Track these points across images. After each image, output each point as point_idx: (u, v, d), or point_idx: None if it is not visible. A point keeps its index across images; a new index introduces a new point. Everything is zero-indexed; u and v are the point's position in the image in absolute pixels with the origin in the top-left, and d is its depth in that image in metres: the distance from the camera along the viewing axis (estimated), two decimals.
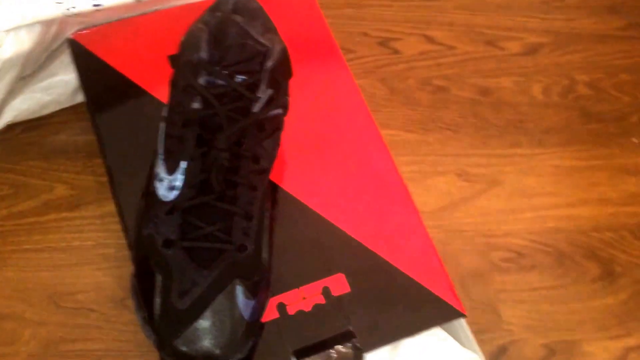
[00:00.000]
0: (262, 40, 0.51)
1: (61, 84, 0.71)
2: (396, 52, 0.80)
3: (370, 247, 0.59)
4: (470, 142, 0.75)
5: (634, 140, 0.77)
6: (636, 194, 0.73)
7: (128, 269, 0.64)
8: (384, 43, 0.80)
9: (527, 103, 0.78)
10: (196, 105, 0.51)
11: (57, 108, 0.72)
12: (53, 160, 0.70)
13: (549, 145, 0.75)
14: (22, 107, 0.69)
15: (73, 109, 0.72)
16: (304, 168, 0.62)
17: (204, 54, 0.51)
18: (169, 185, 0.52)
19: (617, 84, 0.80)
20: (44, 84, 0.69)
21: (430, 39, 0.82)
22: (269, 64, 0.51)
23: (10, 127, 0.69)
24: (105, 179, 0.68)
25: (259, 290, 0.53)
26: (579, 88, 0.80)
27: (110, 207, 0.67)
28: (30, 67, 0.66)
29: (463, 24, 0.83)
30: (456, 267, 0.68)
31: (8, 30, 0.59)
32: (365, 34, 0.81)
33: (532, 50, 0.82)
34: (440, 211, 0.71)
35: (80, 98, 0.72)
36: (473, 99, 0.78)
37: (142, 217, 0.55)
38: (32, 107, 0.70)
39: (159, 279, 0.52)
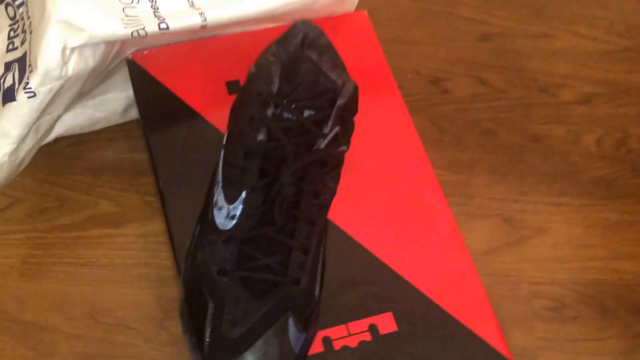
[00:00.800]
0: (332, 77, 0.52)
1: (113, 102, 0.72)
2: (446, 92, 0.81)
3: (419, 288, 0.59)
4: (517, 188, 0.75)
5: None
6: None
7: (169, 289, 0.65)
8: (434, 82, 0.81)
9: (577, 153, 0.78)
10: (261, 136, 0.52)
11: (107, 125, 0.73)
12: (99, 176, 0.71)
13: (598, 197, 0.75)
14: (73, 121, 0.70)
15: (121, 126, 0.73)
16: (357, 204, 0.62)
17: (274, 87, 0.51)
18: (228, 214, 0.53)
19: None
20: (97, 100, 0.71)
21: (482, 81, 0.82)
22: (340, 101, 0.51)
23: (58, 140, 0.70)
24: (150, 198, 0.69)
25: (310, 324, 0.54)
26: (631, 142, 0.80)
27: (154, 227, 0.68)
28: (90, 85, 0.67)
29: (517, 68, 0.83)
30: (498, 312, 0.67)
31: (74, 48, 0.60)
32: (417, 72, 0.81)
33: (587, 99, 0.82)
34: (484, 255, 0.70)
35: (129, 116, 0.73)
36: (522, 145, 0.78)
37: (197, 243, 0.56)
38: (82, 123, 0.71)
39: (211, 306, 0.52)
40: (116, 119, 0.73)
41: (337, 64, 0.55)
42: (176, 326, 0.62)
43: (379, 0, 0.86)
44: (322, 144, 0.52)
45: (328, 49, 0.55)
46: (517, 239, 0.72)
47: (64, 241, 0.67)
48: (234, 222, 0.52)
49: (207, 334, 0.52)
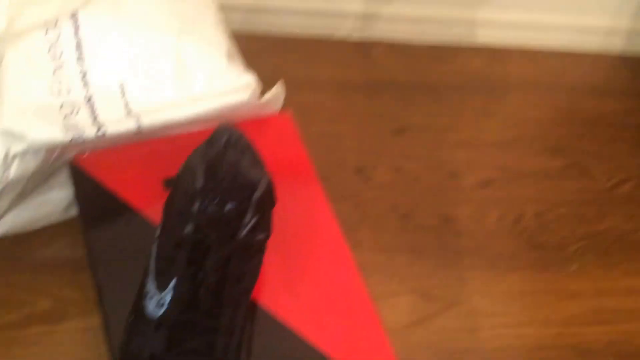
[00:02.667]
0: (250, 173, 0.58)
1: (54, 201, 0.75)
2: (368, 179, 0.88)
3: None
4: (432, 265, 0.81)
5: (573, 267, 0.84)
6: (576, 316, 0.79)
7: None
8: (358, 172, 0.88)
9: (482, 230, 0.85)
10: (188, 229, 0.56)
11: (48, 223, 0.75)
12: (39, 274, 0.73)
13: (500, 269, 0.82)
14: (15, 221, 0.73)
15: (62, 224, 0.76)
16: (281, 286, 0.67)
17: (199, 184, 0.56)
18: (159, 302, 0.57)
19: (558, 216, 0.88)
20: (38, 200, 0.74)
21: (398, 170, 0.90)
22: (256, 194, 0.57)
23: (0, 239, 0.72)
24: (89, 293, 0.71)
25: None
26: (526, 219, 0.87)
27: (93, 321, 0.69)
28: (31, 187, 0.71)
29: (428, 157, 0.92)
30: None
31: (16, 154, 0.65)
32: (342, 163, 0.89)
33: (487, 183, 0.90)
34: (405, 328, 0.75)
35: (70, 214, 0.76)
36: (435, 226, 0.85)
37: (129, 333, 0.59)
38: (24, 222, 0.74)
39: None
40: (57, 217, 0.76)
41: (257, 161, 0.61)
42: None
43: (306, 100, 0.93)
44: (243, 233, 0.57)
45: (248, 149, 0.61)
46: (434, 312, 0.77)
47: (1, 341, 0.68)
48: (163, 309, 0.56)
49: None
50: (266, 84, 0.76)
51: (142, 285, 0.60)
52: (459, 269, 0.81)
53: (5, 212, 0.71)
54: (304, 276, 0.68)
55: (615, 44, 1.13)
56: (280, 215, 0.66)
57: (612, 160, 0.96)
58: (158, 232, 0.60)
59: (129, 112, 0.69)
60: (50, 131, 0.66)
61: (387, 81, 1.01)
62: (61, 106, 0.68)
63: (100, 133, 0.68)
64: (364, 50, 1.06)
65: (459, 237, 0.84)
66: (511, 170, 0.93)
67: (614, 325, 0.79)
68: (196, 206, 0.56)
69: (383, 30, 1.08)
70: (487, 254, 0.83)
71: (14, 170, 0.65)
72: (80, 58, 0.69)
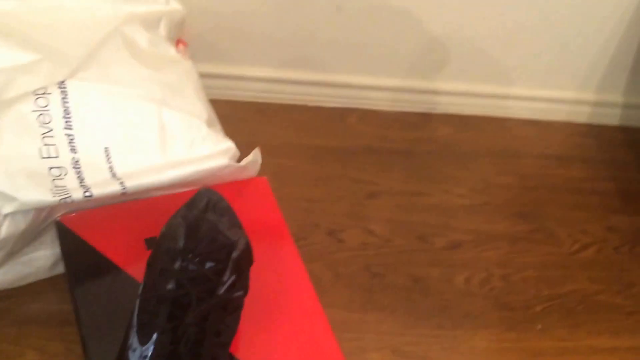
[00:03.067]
0: (228, 234, 0.61)
1: (42, 259, 0.77)
2: (341, 241, 0.91)
3: None
4: (403, 323, 0.84)
5: (538, 327, 0.87)
6: None
7: None
8: (331, 233, 0.92)
9: (450, 291, 0.89)
10: (170, 285, 0.60)
11: (35, 279, 0.78)
12: (26, 327, 0.75)
13: (467, 328, 0.85)
14: (2, 278, 0.75)
15: (49, 280, 0.78)
16: (259, 341, 0.69)
17: (180, 243, 0.60)
18: (141, 354, 0.59)
19: (524, 278, 0.92)
20: (26, 257, 0.76)
21: (370, 232, 0.93)
22: (234, 254, 0.60)
23: None
24: (74, 346, 0.73)
25: None
26: (493, 280, 0.91)
27: None
28: (20, 245, 0.73)
29: (399, 220, 0.96)
30: None
31: (7, 215, 0.67)
32: (316, 225, 0.92)
33: (456, 245, 0.94)
34: None
35: (57, 271, 0.79)
36: (406, 285, 0.88)
37: None
38: (12, 278, 0.76)
39: None
40: (44, 274, 0.78)
41: (234, 223, 0.65)
42: None
43: (282, 164, 0.98)
44: (222, 290, 0.60)
45: (227, 211, 0.65)
46: None
47: None
48: None
49: None
50: (244, 149, 0.80)
51: (126, 339, 0.62)
52: (428, 326, 0.84)
53: None
54: (279, 332, 0.71)
55: (581, 114, 1.20)
56: (257, 274, 0.70)
57: (577, 225, 1.01)
58: (141, 288, 0.63)
59: (113, 176, 0.72)
60: (39, 193, 0.69)
61: (360, 147, 1.05)
62: (50, 169, 0.71)
63: (86, 195, 0.70)
64: (338, 117, 1.11)
65: (428, 297, 0.87)
66: (479, 234, 0.97)
67: None
68: (177, 264, 0.60)
69: (357, 99, 1.13)
70: (455, 314, 0.86)
71: (4, 230, 0.68)
72: (67, 124, 0.72)
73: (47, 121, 0.71)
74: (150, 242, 0.74)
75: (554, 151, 1.14)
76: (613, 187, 1.08)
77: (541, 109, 1.18)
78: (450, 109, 1.16)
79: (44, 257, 0.78)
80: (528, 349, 0.85)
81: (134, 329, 0.61)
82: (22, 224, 0.69)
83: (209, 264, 0.60)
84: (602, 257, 0.97)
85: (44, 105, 0.71)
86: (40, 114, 0.71)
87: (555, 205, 1.04)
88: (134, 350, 0.60)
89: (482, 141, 1.12)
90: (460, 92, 1.15)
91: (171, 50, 0.83)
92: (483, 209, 1.00)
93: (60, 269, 0.78)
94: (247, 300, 0.66)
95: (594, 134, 1.18)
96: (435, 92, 1.15)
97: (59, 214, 0.75)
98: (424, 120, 1.14)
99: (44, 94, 0.72)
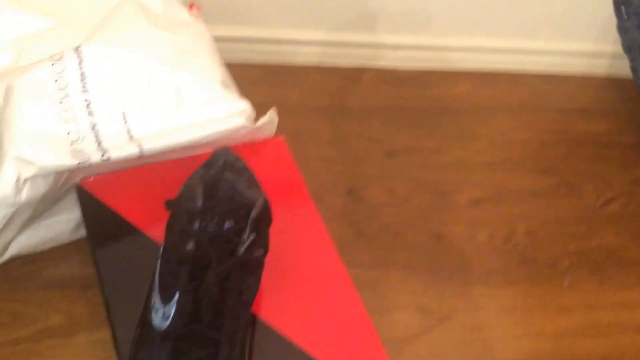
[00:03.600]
0: (247, 194, 0.61)
1: (63, 223, 0.78)
2: (361, 200, 0.91)
3: None
4: (426, 281, 0.83)
5: (565, 282, 0.86)
6: (570, 330, 0.82)
7: None
8: (351, 193, 0.91)
9: (473, 248, 0.88)
10: (190, 246, 0.60)
11: (57, 244, 0.79)
12: (50, 291, 0.76)
13: (492, 285, 0.84)
14: (26, 242, 0.76)
15: (71, 244, 0.79)
16: (280, 301, 0.69)
17: (198, 204, 0.60)
18: (164, 314, 0.60)
19: (549, 233, 0.91)
20: (48, 222, 0.77)
21: (390, 190, 0.92)
22: (253, 213, 0.60)
23: (12, 259, 0.76)
24: (98, 308, 0.74)
25: None
26: (517, 236, 0.90)
27: (103, 334, 0.72)
28: (41, 209, 0.74)
29: (418, 178, 0.94)
30: None
31: (27, 179, 0.68)
32: (335, 184, 0.91)
33: (477, 202, 0.93)
34: (402, 342, 0.78)
35: (78, 235, 0.79)
36: (428, 243, 0.87)
37: (137, 345, 0.61)
38: (35, 243, 0.77)
39: None
40: (66, 238, 0.79)
41: (252, 182, 0.64)
42: None
43: (299, 125, 0.97)
44: (241, 250, 0.60)
45: (244, 171, 0.65)
46: (430, 326, 0.80)
47: (16, 354, 0.71)
48: (168, 321, 0.59)
49: None
50: (260, 111, 0.79)
51: (148, 300, 0.63)
52: (453, 284, 0.84)
53: (18, 234, 0.73)
54: (302, 292, 0.71)
55: (600, 67, 1.17)
56: (277, 234, 0.69)
57: (601, 178, 0.99)
58: (161, 250, 0.64)
59: (131, 138, 0.73)
60: (58, 157, 0.69)
61: (377, 106, 1.04)
62: (68, 133, 0.71)
63: (104, 158, 0.71)
64: (354, 77, 1.10)
65: (451, 254, 0.87)
66: (501, 190, 0.95)
67: (607, 339, 0.81)
68: (196, 225, 0.60)
69: (372, 58, 1.12)
70: (479, 271, 0.86)
71: (25, 194, 0.68)
72: (84, 89, 0.72)
73: (64, 86, 0.72)
74: (169, 204, 0.74)
75: (574, 105, 1.12)
76: (637, 139, 1.06)
77: (559, 62, 1.16)
78: (467, 66, 1.14)
79: (65, 221, 0.78)
80: (555, 305, 0.84)
81: (156, 290, 0.62)
82: (42, 188, 0.70)
83: (227, 224, 0.60)
84: (628, 211, 0.96)
85: (60, 70, 0.72)
86: (56, 79, 0.72)
87: (577, 159, 1.02)
88: (157, 310, 0.61)
89: (500, 97, 1.10)
90: (477, 48, 1.13)
91: (184, 13, 0.83)
92: (504, 165, 0.99)
93: (82, 232, 0.78)
94: (268, 261, 0.66)
95: (614, 87, 1.16)
96: (451, 49, 1.13)
97: (79, 178, 0.75)
98: (441, 77, 1.12)
99: (60, 59, 0.72)
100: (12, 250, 0.76)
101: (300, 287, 0.71)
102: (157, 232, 0.72)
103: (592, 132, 1.07)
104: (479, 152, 1.00)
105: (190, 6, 0.86)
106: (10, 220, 0.69)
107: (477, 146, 1.01)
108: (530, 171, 0.99)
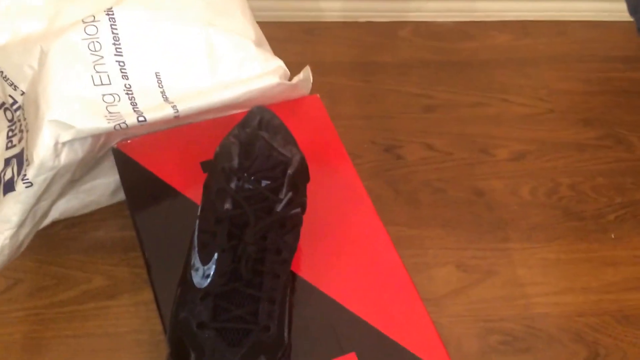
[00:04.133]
0: (283, 151, 0.60)
1: (102, 186, 0.79)
2: (399, 157, 0.89)
3: (379, 328, 0.65)
4: (467, 237, 0.82)
5: (612, 236, 0.84)
6: (615, 283, 0.80)
7: (160, 353, 0.70)
8: (388, 150, 0.90)
9: (516, 203, 0.86)
10: (227, 205, 0.59)
11: (97, 207, 0.80)
12: (92, 254, 0.77)
13: (536, 240, 0.83)
14: (66, 206, 0.77)
15: (111, 208, 0.80)
16: (320, 259, 0.69)
17: (235, 163, 0.59)
18: (204, 273, 0.60)
19: (594, 186, 0.89)
20: (87, 185, 0.78)
21: (429, 147, 0.91)
22: (290, 171, 0.59)
23: (54, 223, 0.77)
24: (139, 270, 0.76)
25: None
26: (562, 190, 0.88)
27: (144, 296, 0.74)
28: (79, 173, 0.75)
29: (458, 133, 0.93)
30: (459, 349, 0.74)
31: (65, 142, 0.69)
32: (373, 142, 0.90)
33: (519, 156, 0.91)
34: (442, 298, 0.77)
35: (117, 198, 0.81)
36: (469, 199, 0.86)
37: (178, 303, 0.62)
38: (75, 206, 0.78)
39: (193, 357, 0.58)
40: (105, 201, 0.80)
41: (288, 140, 0.63)
42: None
43: (336, 84, 0.96)
44: (279, 207, 0.59)
45: (280, 129, 0.64)
46: (470, 282, 0.79)
47: (62, 315, 0.73)
48: (208, 280, 0.59)
49: None
50: (294, 69, 0.78)
51: (188, 260, 0.63)
52: (494, 240, 0.82)
53: (58, 198, 0.74)
54: (341, 249, 0.70)
55: None
56: (314, 192, 0.69)
57: None
58: (199, 210, 0.64)
59: (165, 100, 0.73)
60: (94, 120, 0.69)
61: (415, 60, 1.02)
62: (103, 96, 0.71)
63: (140, 120, 0.71)
64: (391, 32, 1.07)
65: (492, 210, 0.85)
66: (544, 143, 0.93)
67: None
68: (233, 184, 0.59)
69: (409, 11, 1.09)
70: (522, 226, 0.84)
71: (63, 158, 0.69)
72: (117, 51, 0.72)
73: (98, 49, 0.72)
74: (205, 165, 0.75)
75: (618, 53, 1.08)
76: None
77: (602, 9, 1.12)
78: (506, 16, 1.10)
79: (104, 185, 0.79)
80: (601, 259, 0.82)
81: (195, 250, 0.62)
82: (80, 151, 0.70)
83: (264, 182, 0.59)
84: None
85: (93, 33, 0.72)
86: (90, 42, 0.71)
87: (623, 109, 0.99)
88: (197, 270, 0.61)
89: (542, 47, 1.07)
90: None
91: None
92: (547, 117, 0.96)
93: (122, 195, 0.78)
94: (306, 219, 0.65)
95: None
96: None
97: (116, 141, 0.76)
98: (480, 29, 1.09)
99: (92, 21, 0.72)
100: (54, 214, 0.77)
101: (338, 245, 0.71)
102: (194, 193, 0.72)
103: (638, 80, 1.03)
104: (521, 104, 0.98)
105: None
106: (50, 184, 0.69)
107: (519, 99, 0.98)
108: (574, 123, 0.96)
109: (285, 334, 0.61)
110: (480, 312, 0.77)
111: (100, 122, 0.69)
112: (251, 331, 0.58)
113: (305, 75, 0.79)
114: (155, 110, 0.72)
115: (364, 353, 0.64)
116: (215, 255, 0.59)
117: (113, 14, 0.72)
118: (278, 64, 0.77)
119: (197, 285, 0.60)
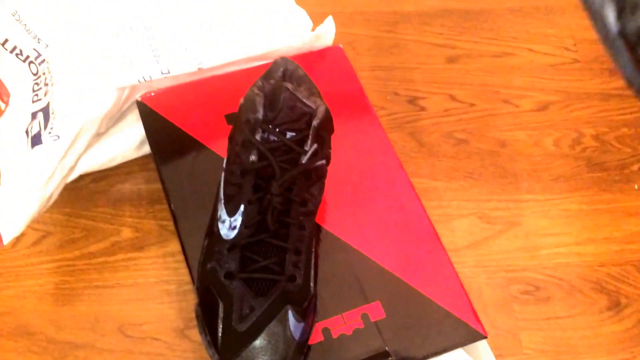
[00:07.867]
0: (308, 102, 0.60)
1: (127, 139, 0.79)
2: (422, 109, 0.89)
3: (403, 278, 0.67)
4: (489, 189, 0.82)
5: (635, 186, 0.84)
6: (637, 233, 0.80)
7: (188, 302, 0.72)
8: (411, 101, 0.89)
9: (539, 154, 0.86)
10: (253, 157, 0.60)
11: (123, 160, 0.80)
12: (120, 207, 0.78)
13: (559, 191, 0.83)
14: (93, 159, 0.78)
15: (137, 161, 0.80)
16: (344, 211, 0.70)
17: (260, 115, 0.59)
18: (230, 225, 0.61)
19: (619, 136, 0.88)
20: (113, 139, 0.78)
21: (452, 98, 0.90)
22: (315, 122, 0.59)
23: (81, 177, 0.78)
24: (166, 222, 0.76)
25: (308, 315, 0.61)
26: (585, 140, 0.87)
27: (171, 247, 0.75)
28: (105, 126, 0.75)
29: (481, 83, 0.91)
30: (480, 298, 0.75)
31: (90, 96, 0.69)
32: (396, 93, 0.89)
33: (543, 107, 0.90)
34: (464, 249, 0.78)
35: (143, 151, 0.81)
36: (492, 150, 0.85)
37: (206, 254, 0.63)
38: (101, 160, 0.78)
39: (221, 306, 0.59)
40: (131, 155, 0.80)
41: (313, 91, 0.63)
42: (197, 335, 0.70)
43: (357, 35, 0.94)
44: (304, 159, 0.59)
45: (304, 80, 0.64)
46: (492, 233, 0.79)
47: (92, 267, 0.74)
48: (235, 232, 0.60)
49: (220, 330, 0.59)
50: (317, 20, 0.77)
51: (214, 211, 0.64)
52: (516, 191, 0.82)
53: (84, 151, 0.75)
54: (365, 202, 0.71)
55: None
56: (339, 144, 0.69)
57: None
58: (225, 162, 0.64)
59: (189, 52, 0.73)
60: (118, 73, 0.70)
61: (437, 9, 1.00)
62: (127, 49, 0.71)
63: (164, 72, 0.71)
64: None
65: (515, 161, 0.85)
66: (569, 93, 0.92)
67: None
68: (258, 135, 0.60)
69: None
70: (544, 176, 0.84)
71: (89, 111, 0.69)
72: (141, 3, 0.72)
73: (121, 2, 0.72)
74: (230, 118, 0.75)
75: None
76: None
77: None
78: None
79: (129, 138, 0.79)
80: (624, 210, 0.82)
81: (222, 202, 0.62)
82: (105, 104, 0.71)
83: (289, 134, 0.60)
84: None
85: None
86: None
87: None
88: (223, 221, 0.61)
89: None
90: None
91: None
92: (572, 67, 0.95)
93: (147, 149, 0.80)
94: (331, 171, 0.66)
95: None
96: None
97: (140, 94, 0.76)
98: None
99: None
100: (81, 168, 0.77)
101: (363, 197, 0.71)
102: (219, 145, 0.73)
103: None
104: (545, 54, 0.96)
105: None
106: (76, 137, 0.70)
107: (543, 48, 0.96)
108: (600, 73, 0.94)
109: (311, 284, 0.62)
110: (502, 262, 0.77)
111: (124, 75, 0.70)
112: (278, 281, 0.60)
113: (328, 25, 0.78)
114: (179, 64, 0.72)
115: (389, 302, 0.65)
116: (242, 207, 0.60)
117: None
118: (301, 14, 0.76)
119: (224, 237, 0.61)
